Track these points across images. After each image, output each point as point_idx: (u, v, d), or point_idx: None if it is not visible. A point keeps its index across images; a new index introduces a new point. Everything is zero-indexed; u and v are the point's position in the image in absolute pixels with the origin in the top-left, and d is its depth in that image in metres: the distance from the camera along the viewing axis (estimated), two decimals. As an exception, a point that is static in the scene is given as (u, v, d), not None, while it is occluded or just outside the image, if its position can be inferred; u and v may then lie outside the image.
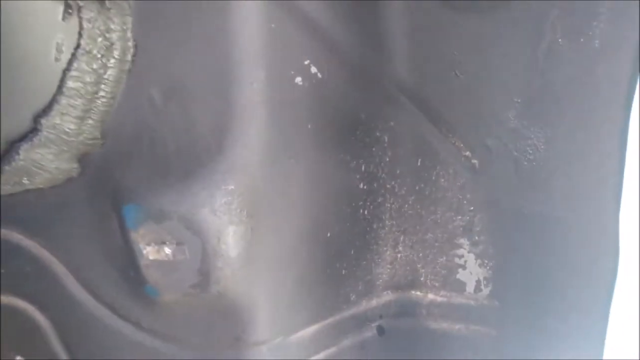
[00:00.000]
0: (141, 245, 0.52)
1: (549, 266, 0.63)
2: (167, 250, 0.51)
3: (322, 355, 0.69)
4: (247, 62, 0.49)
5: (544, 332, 0.70)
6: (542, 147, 0.58)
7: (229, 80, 0.49)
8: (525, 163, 0.60)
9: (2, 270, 0.65)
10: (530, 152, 0.59)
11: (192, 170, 0.51)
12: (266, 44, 0.50)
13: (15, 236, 0.62)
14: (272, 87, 0.51)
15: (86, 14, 0.44)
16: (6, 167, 0.51)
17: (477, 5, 0.56)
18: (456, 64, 0.60)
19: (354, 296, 0.70)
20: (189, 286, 0.53)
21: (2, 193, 0.57)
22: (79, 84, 0.47)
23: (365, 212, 0.67)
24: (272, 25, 0.49)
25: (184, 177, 0.50)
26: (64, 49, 0.45)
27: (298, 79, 0.53)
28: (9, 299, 0.66)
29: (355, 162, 0.63)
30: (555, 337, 0.69)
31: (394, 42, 0.60)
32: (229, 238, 0.51)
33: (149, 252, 0.52)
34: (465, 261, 0.70)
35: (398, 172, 0.68)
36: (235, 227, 0.52)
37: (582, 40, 0.52)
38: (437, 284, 0.73)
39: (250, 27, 0.49)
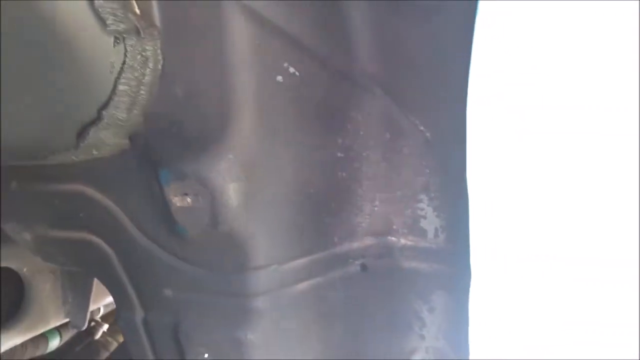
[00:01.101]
0: (171, 197, 0.75)
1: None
2: (188, 199, 0.74)
3: (311, 281, 0.91)
4: (240, 69, 0.69)
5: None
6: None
7: (228, 82, 0.70)
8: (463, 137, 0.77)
9: (81, 214, 0.90)
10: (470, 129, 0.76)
11: (204, 145, 0.72)
12: (253, 54, 0.69)
13: (90, 191, 0.87)
14: (259, 86, 0.71)
15: (129, 41, 0.66)
16: (81, 144, 0.74)
17: (417, 11, 0.72)
18: (413, 57, 0.77)
19: (337, 239, 0.90)
20: (205, 225, 0.76)
21: (79, 160, 0.81)
22: (126, 87, 0.69)
23: (344, 174, 0.86)
24: (257, 42, 0.69)
25: (199, 150, 0.72)
26: (115, 65, 0.67)
27: (279, 78, 0.73)
28: (85, 235, 0.92)
29: (332, 137, 0.82)
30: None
31: (360, 41, 0.77)
32: (230, 192, 0.73)
33: (177, 201, 0.75)
34: (426, 213, 0.88)
35: (371, 143, 0.86)
36: (234, 184, 0.73)
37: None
38: (406, 231, 0.92)
39: (241, 44, 0.68)
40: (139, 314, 0.94)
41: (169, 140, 0.74)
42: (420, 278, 0.93)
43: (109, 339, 1.70)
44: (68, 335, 1.48)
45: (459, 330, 0.93)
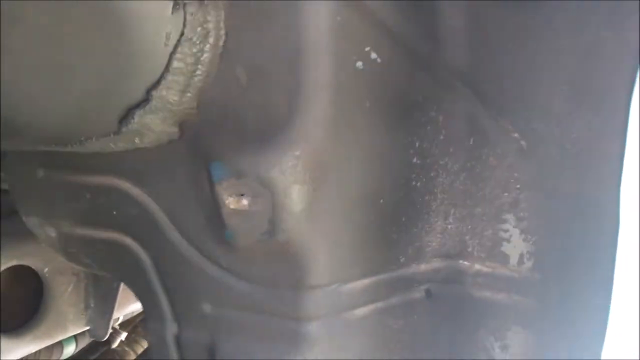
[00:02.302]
0: (224, 196, 0.64)
1: (584, 244, 0.67)
2: (245, 201, 0.63)
3: (371, 307, 0.79)
4: (315, 49, 0.58)
5: (582, 306, 0.75)
6: (585, 133, 0.62)
7: (300, 64, 0.59)
8: (569, 147, 0.65)
9: (114, 212, 0.80)
10: (574, 136, 0.64)
11: (266, 137, 0.61)
12: (332, 33, 0.58)
13: (126, 185, 0.76)
14: (336, 71, 0.59)
15: (189, 9, 0.55)
16: (124, 129, 0.64)
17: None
18: (508, 52, 0.65)
19: (403, 259, 0.78)
20: (261, 233, 0.64)
21: (117, 149, 0.71)
22: (181, 64, 0.59)
23: (418, 184, 0.74)
24: (338, 18, 0.58)
25: (260, 143, 0.61)
26: (171, 36, 0.57)
27: (359, 64, 0.61)
28: (118, 236, 0.81)
29: (410, 139, 0.71)
30: (592, 311, 0.73)
31: (450, 32, 0.66)
32: (294, 195, 0.61)
33: (230, 202, 0.63)
34: (510, 235, 0.76)
35: (451, 150, 0.74)
36: (299, 186, 0.62)
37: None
38: (483, 255, 0.79)
39: (318, 20, 0.57)
40: (171, 329, 0.82)
41: (225, 129, 0.63)
42: (495, 310, 0.80)
43: (127, 348, 1.60)
44: (84, 342, 1.38)
45: (539, 375, 0.80)
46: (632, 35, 0.55)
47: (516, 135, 0.70)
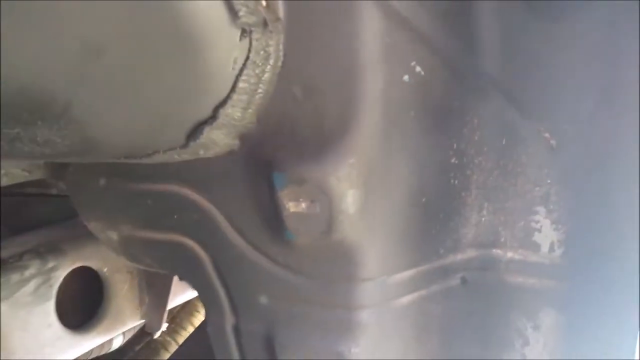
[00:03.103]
0: (285, 202, 0.70)
1: (611, 233, 0.74)
2: (304, 205, 0.69)
3: (414, 295, 0.86)
4: (366, 68, 0.64)
5: (609, 288, 0.81)
6: (611, 133, 0.68)
7: (353, 81, 0.65)
8: (595, 146, 0.71)
9: (176, 216, 0.87)
10: (601, 136, 0.70)
11: (322, 148, 0.67)
12: (382, 52, 0.64)
13: (187, 192, 0.83)
14: (385, 86, 0.66)
15: (255, 35, 0.62)
16: (191, 143, 0.71)
17: (553, 11, 0.66)
18: (539, 60, 0.71)
19: (442, 250, 0.85)
20: (318, 233, 0.71)
21: (181, 159, 0.77)
22: (245, 85, 0.65)
23: (455, 182, 0.81)
24: (387, 38, 0.64)
25: (317, 153, 0.67)
26: (237, 60, 0.63)
27: (405, 77, 0.67)
28: (179, 238, 0.89)
29: (448, 142, 0.77)
30: (617, 293, 0.80)
31: (486, 42, 0.72)
32: (349, 199, 0.68)
33: (291, 206, 0.70)
34: (541, 226, 0.82)
35: (485, 149, 0.80)
36: (353, 191, 0.68)
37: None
38: (515, 244, 0.85)
39: (369, 41, 0.63)
40: (230, 321, 0.90)
41: (284, 142, 0.69)
42: (526, 294, 0.87)
43: (168, 338, 1.68)
44: (130, 334, 1.46)
45: (569, 351, 0.87)
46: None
47: (547, 135, 0.76)
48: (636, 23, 0.63)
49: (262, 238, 0.79)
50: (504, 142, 0.79)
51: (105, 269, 1.01)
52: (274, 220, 0.75)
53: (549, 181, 0.78)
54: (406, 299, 0.84)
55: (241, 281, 0.86)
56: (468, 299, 0.90)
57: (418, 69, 0.68)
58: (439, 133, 0.75)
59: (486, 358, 0.93)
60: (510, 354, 0.92)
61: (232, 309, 0.89)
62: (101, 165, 0.89)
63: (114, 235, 0.94)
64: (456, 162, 0.79)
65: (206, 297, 0.91)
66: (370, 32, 0.62)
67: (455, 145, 0.78)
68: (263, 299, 0.85)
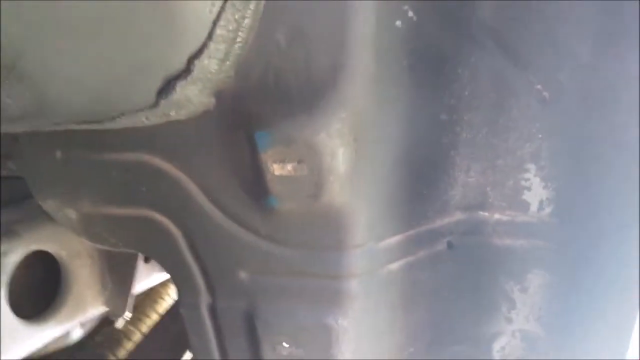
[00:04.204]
0: (269, 163, 0.64)
1: (603, 188, 0.72)
2: (290, 167, 0.63)
3: (402, 261, 0.82)
4: (359, 9, 0.59)
5: (598, 248, 0.80)
6: (611, 81, 0.66)
7: (343, 25, 0.59)
8: (591, 95, 0.68)
9: (144, 189, 0.79)
10: (599, 85, 0.67)
11: (311, 101, 0.61)
12: (374, -6, 0.59)
13: (156, 161, 0.75)
14: (378, 30, 0.60)
15: (234, -26, 0.55)
16: (162, 102, 0.63)
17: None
18: (535, 7, 0.67)
19: (430, 213, 0.81)
20: (305, 197, 0.66)
21: (148, 124, 0.70)
22: (224, 32, 0.58)
23: (445, 141, 0.77)
24: (379, -22, 0.58)
25: (305, 108, 0.61)
26: (215, 3, 0.56)
27: (398, 22, 0.62)
28: (148, 212, 0.81)
29: (439, 96, 0.73)
30: (607, 251, 0.79)
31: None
32: (340, 157, 0.63)
33: (275, 169, 0.64)
34: (531, 184, 0.80)
35: (475, 105, 0.76)
36: (344, 149, 0.63)
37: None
38: (503, 204, 0.83)
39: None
40: (205, 300, 0.83)
41: (267, 97, 0.63)
42: (514, 256, 0.85)
43: (132, 328, 1.59)
44: (90, 326, 1.37)
45: (558, 312, 0.85)
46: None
47: (539, 87, 0.73)
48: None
49: (241, 208, 0.73)
50: (495, 97, 0.75)
51: (63, 253, 0.92)
52: (255, 187, 0.68)
53: (540, 136, 0.75)
54: (394, 266, 0.80)
55: (218, 256, 0.79)
56: (454, 264, 0.87)
57: (411, 13, 0.63)
58: (430, 86, 0.71)
59: (472, 323, 0.91)
60: (497, 317, 0.90)
61: (207, 287, 0.82)
62: (57, 136, 0.79)
63: (72, 214, 0.85)
64: (446, 118, 0.75)
65: (178, 276, 0.84)
66: None
67: (445, 100, 0.74)
68: (242, 274, 0.79)
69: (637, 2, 0.61)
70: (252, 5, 0.58)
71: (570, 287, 0.83)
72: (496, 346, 0.93)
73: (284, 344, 0.80)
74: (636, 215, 0.72)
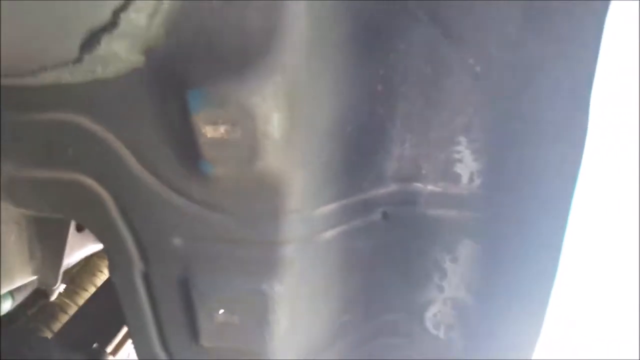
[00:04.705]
0: (201, 126, 0.63)
1: (533, 162, 0.75)
2: (223, 129, 0.62)
3: (337, 230, 0.83)
4: None
5: (523, 220, 0.84)
6: (537, 54, 0.68)
7: None
8: (521, 70, 0.71)
9: (70, 150, 0.75)
10: (526, 61, 0.70)
11: (244, 63, 0.60)
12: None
13: (83, 121, 0.72)
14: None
15: None
16: (86, 56, 0.60)
17: None
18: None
19: (365, 184, 0.83)
20: (239, 161, 0.65)
21: (74, 81, 0.66)
22: (152, -15, 0.56)
23: (381, 112, 0.78)
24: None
25: (239, 70, 0.60)
26: (143, -48, 0.53)
27: (335, -11, 0.62)
28: (75, 176, 0.77)
29: (374, 66, 0.73)
30: (533, 221, 0.83)
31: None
32: (275, 121, 0.62)
33: (208, 131, 0.63)
34: (463, 156, 0.82)
35: (410, 77, 0.77)
36: (279, 114, 0.63)
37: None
38: (436, 176, 0.85)
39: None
40: (138, 267, 0.81)
41: (199, 56, 0.61)
42: (446, 227, 0.88)
43: (67, 300, 1.54)
44: (21, 296, 1.31)
45: (485, 281, 0.89)
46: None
47: (471, 61, 0.74)
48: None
49: (174, 172, 0.71)
50: (429, 70, 0.77)
51: (-15, 219, 0.87)
52: (187, 150, 0.67)
53: (471, 110, 0.77)
54: (329, 234, 0.81)
55: (151, 222, 0.77)
56: (389, 233, 0.89)
57: (345, -19, 0.62)
58: (366, 56, 0.71)
59: (406, 291, 0.94)
60: (429, 286, 0.93)
61: (140, 254, 0.81)
62: (-28, 92, 0.74)
63: (-6, 177, 0.80)
64: (381, 89, 0.75)
65: (109, 242, 0.81)
66: None
67: (381, 72, 0.74)
68: (177, 241, 0.77)
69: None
70: (183, -40, 0.56)
71: (497, 257, 0.86)
72: (428, 314, 0.96)
73: (220, 310, 0.80)
74: (560, 189, 0.76)
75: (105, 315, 1.42)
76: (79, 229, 1.10)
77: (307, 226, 0.75)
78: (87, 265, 1.59)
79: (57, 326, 1.48)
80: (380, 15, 0.69)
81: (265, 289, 0.76)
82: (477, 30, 0.72)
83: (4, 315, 1.30)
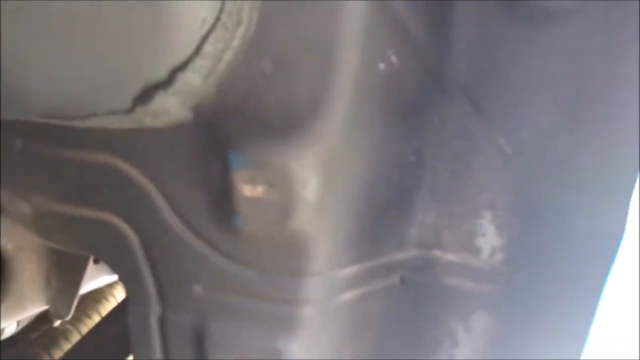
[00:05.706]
0: (239, 183, 0.65)
1: (555, 242, 0.76)
2: (260, 189, 0.64)
3: (356, 291, 0.83)
4: (344, 48, 0.60)
5: (542, 295, 0.84)
6: (566, 145, 0.70)
7: (329, 61, 0.61)
8: (550, 156, 0.73)
9: (105, 191, 0.77)
10: (559, 148, 0.72)
11: (288, 130, 0.63)
12: (362, 33, 0.61)
13: (121, 164, 0.74)
14: (361, 70, 0.62)
15: (228, -4, 0.56)
16: (139, 108, 0.63)
17: (535, 17, 0.66)
18: (507, 67, 0.71)
19: (387, 248, 0.84)
20: (271, 220, 0.66)
21: (121, 126, 0.69)
22: (211, 49, 0.58)
23: (408, 181, 0.80)
24: (368, 18, 0.61)
25: (282, 135, 0.62)
26: (206, 20, 0.56)
27: (381, 65, 0.65)
28: (106, 215, 0.79)
29: (409, 138, 0.75)
30: (552, 302, 0.83)
31: (461, 41, 0.71)
32: (311, 186, 0.64)
33: (245, 190, 0.64)
34: (486, 230, 0.83)
35: (439, 151, 0.80)
36: (316, 179, 0.64)
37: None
38: (456, 247, 0.86)
39: (350, 19, 0.60)
40: (155, 311, 0.82)
41: (246, 118, 0.64)
42: (462, 296, 0.88)
43: (70, 327, 1.53)
44: (25, 321, 1.31)
45: (498, 355, 0.89)
46: (624, 68, 0.63)
47: (502, 142, 0.77)
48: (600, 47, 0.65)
49: (205, 222, 0.73)
50: (460, 146, 0.79)
51: (9, 246, 0.88)
52: (222, 204, 0.69)
53: (499, 187, 0.79)
54: (347, 295, 0.81)
55: (174, 267, 0.78)
56: (405, 297, 0.89)
57: (394, 58, 0.65)
58: (402, 129, 0.73)
59: (416, 357, 0.93)
60: (439, 354, 0.92)
61: (159, 297, 0.81)
62: (18, 124, 0.77)
63: (26, 207, 0.82)
64: (413, 160, 0.77)
65: (130, 283, 0.82)
66: (352, 10, 0.58)
67: (414, 143, 0.76)
68: (197, 289, 0.78)
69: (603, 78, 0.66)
70: (243, 28, 0.59)
71: (513, 333, 0.86)
72: (435, 381, 0.95)
73: (231, 363, 0.80)
74: (582, 273, 0.76)
75: (107, 347, 1.41)
76: (96, 261, 1.11)
77: (328, 288, 0.76)
78: (94, 292, 1.58)
79: (57, 353, 1.46)
80: (421, 90, 0.72)
81: (279, 346, 0.76)
82: (509, 115, 0.75)
83: (7, 339, 1.30)
